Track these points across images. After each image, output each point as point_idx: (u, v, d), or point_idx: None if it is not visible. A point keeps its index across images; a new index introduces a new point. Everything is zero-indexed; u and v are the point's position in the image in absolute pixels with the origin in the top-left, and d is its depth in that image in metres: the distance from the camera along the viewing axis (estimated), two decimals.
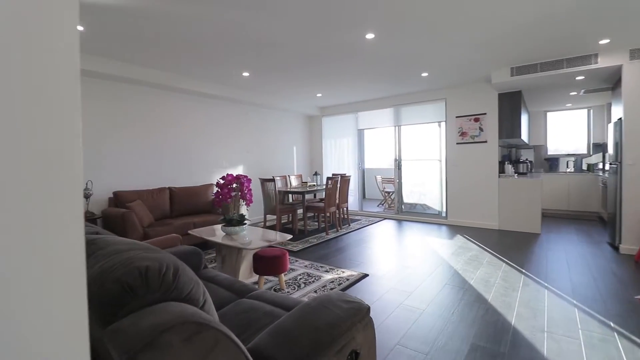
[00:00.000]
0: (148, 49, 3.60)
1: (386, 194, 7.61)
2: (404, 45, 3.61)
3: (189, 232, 3.49)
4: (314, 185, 5.76)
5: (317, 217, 5.90)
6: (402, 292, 2.85)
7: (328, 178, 5.03)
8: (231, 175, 3.28)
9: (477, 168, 5.53)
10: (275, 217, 5.11)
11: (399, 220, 6.26)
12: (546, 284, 2.96)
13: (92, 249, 0.95)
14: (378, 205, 8.16)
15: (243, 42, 3.42)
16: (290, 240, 4.74)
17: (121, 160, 4.41)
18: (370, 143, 10.14)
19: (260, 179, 5.07)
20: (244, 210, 5.86)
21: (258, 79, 4.90)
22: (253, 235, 3.27)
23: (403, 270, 3.39)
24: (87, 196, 3.95)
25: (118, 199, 4.12)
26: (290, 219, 6.18)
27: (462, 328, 2.23)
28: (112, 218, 3.89)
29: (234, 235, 3.22)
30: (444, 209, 5.97)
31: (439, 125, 6.00)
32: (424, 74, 4.83)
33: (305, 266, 3.56)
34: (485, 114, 5.40)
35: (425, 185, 6.27)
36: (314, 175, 6.06)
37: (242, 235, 3.24)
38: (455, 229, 5.37)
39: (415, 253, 4.03)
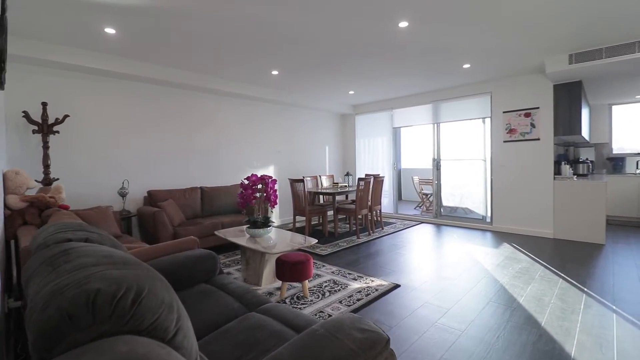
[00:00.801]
0: (178, 51, 3.61)
1: (424, 196, 7.17)
2: (442, 33, 3.27)
3: (215, 232, 3.45)
4: (346, 186, 5.53)
5: (349, 220, 5.67)
6: (438, 308, 2.55)
7: (360, 179, 4.78)
8: (255, 175, 3.18)
9: (528, 169, 4.96)
10: (304, 218, 4.96)
11: (438, 225, 5.83)
12: (614, 307, 2.49)
13: (59, 262, 0.83)
14: (415, 208, 7.73)
15: (271, 38, 3.30)
16: (318, 243, 4.57)
17: (156, 160, 4.52)
18: (407, 142, 9.69)
19: (289, 179, 4.95)
20: (275, 211, 5.84)
21: (288, 77, 4.78)
22: (278, 238, 3.14)
23: (440, 282, 3.07)
24: (123, 195, 4.07)
25: (152, 197, 4.21)
26: (320, 221, 6.02)
27: (508, 357, 1.90)
28: (145, 217, 3.97)
29: (257, 238, 3.11)
30: (489, 214, 5.45)
31: (483, 122, 5.50)
32: (466, 66, 4.41)
33: (333, 272, 3.36)
34: (537, 108, 4.83)
35: (467, 187, 5.78)
36: (345, 175, 5.83)
37: (266, 238, 3.13)
38: (502, 237, 4.86)
39: (454, 262, 3.66)
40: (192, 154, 4.90)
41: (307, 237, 3.18)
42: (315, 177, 5.97)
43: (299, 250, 3.22)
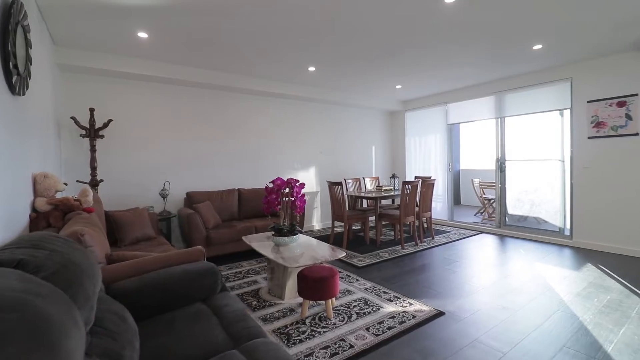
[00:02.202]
0: (210, 52, 3.54)
1: (485, 201, 6.32)
2: (504, 5, 2.67)
3: (243, 238, 3.29)
4: (391, 189, 5.05)
5: (394, 227, 5.18)
6: (492, 350, 2.02)
7: (404, 182, 4.28)
8: (280, 179, 2.93)
9: (621, 170, 3.98)
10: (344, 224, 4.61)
11: (501, 236, 5.03)
12: None
13: None
14: (476, 214, 6.87)
15: (305, 30, 3.02)
16: (357, 252, 4.19)
17: (196, 162, 4.56)
18: (466, 139, 8.76)
19: (328, 182, 4.65)
20: (316, 215, 5.57)
21: (326, 73, 4.48)
22: (305, 248, 2.85)
23: (498, 313, 2.49)
24: (164, 196, 4.16)
25: (190, 199, 4.24)
26: (363, 227, 5.61)
27: None
28: (182, 218, 4.01)
29: (282, 247, 2.85)
30: (567, 225, 4.52)
31: (561, 115, 4.58)
32: (537, 47, 3.65)
33: (366, 289, 2.96)
34: (635, 95, 3.84)
35: (538, 192, 4.88)
36: (390, 178, 5.34)
37: (291, 247, 2.86)
38: (585, 255, 3.96)
39: (519, 287, 3.00)
40: (231, 155, 4.87)
41: (336, 248, 2.83)
42: (358, 180, 5.57)
43: (327, 263, 2.86)
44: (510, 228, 5.11)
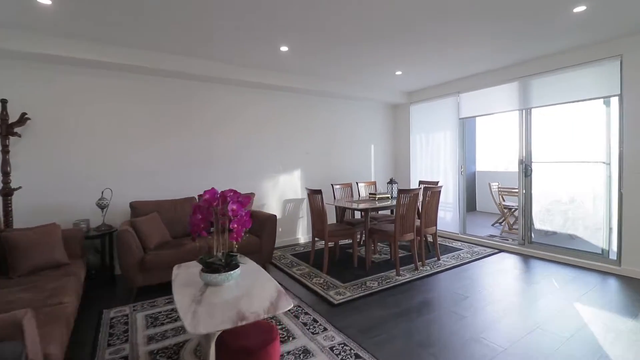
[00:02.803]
0: (152, 27, 2.72)
1: (506, 210, 5.30)
2: None
3: (174, 268, 2.45)
4: (387, 197, 4.14)
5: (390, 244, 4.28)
6: None
7: (401, 191, 3.36)
8: (214, 190, 2.07)
9: None
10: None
11: (525, 257, 4.03)
12: None
13: None
14: (493, 225, 5.86)
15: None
16: (338, 277, 3.31)
17: (147, 166, 3.78)
18: (482, 137, 7.72)
19: (307, 189, 3.78)
20: (302, 225, 4.62)
21: (307, 56, 3.61)
22: (245, 290, 1.99)
23: None
24: (102, 207, 3.39)
25: (134, 211, 3.46)
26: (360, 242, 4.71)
27: None
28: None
29: (211, 289, 2.01)
30: (613, 247, 3.50)
31: (607, 104, 3.55)
32: (579, 8, 2.66)
33: (330, 349, 2.08)
34: None
35: (575, 203, 3.86)
36: (388, 183, 4.42)
37: (225, 289, 2.01)
38: (638, 288, 2.95)
39: (557, 350, 2.06)
40: (193, 157, 4.06)
41: (283, 295, 1.95)
42: (349, 185, 4.67)
43: (267, 317, 1.96)
44: (537, 247, 4.10)
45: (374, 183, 4.96)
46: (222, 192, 2.08)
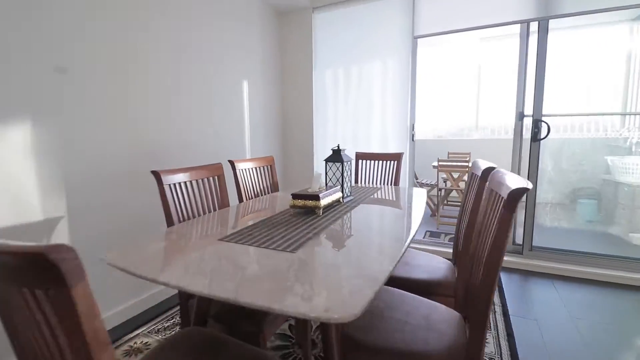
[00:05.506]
0: None
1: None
2: None
3: None
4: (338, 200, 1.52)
5: None
6: None
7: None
8: None
9: None
10: None
11: (525, 275, 2.38)
12: None
13: None
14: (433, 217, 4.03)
15: None
16: None
17: None
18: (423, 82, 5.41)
19: None
20: None
21: None
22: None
23: None
24: None
25: None
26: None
27: None
28: None
29: None
30: None
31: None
32: None
33: None
34: None
35: (621, 182, 2.41)
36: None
37: None
38: None
39: None
40: None
41: None
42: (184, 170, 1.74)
43: None
44: (542, 256, 2.51)
45: (256, 162, 2.19)
46: None
